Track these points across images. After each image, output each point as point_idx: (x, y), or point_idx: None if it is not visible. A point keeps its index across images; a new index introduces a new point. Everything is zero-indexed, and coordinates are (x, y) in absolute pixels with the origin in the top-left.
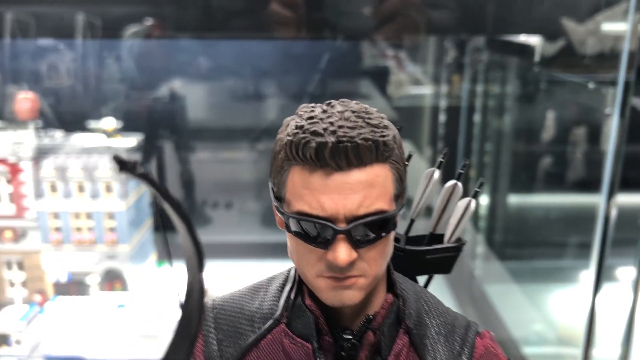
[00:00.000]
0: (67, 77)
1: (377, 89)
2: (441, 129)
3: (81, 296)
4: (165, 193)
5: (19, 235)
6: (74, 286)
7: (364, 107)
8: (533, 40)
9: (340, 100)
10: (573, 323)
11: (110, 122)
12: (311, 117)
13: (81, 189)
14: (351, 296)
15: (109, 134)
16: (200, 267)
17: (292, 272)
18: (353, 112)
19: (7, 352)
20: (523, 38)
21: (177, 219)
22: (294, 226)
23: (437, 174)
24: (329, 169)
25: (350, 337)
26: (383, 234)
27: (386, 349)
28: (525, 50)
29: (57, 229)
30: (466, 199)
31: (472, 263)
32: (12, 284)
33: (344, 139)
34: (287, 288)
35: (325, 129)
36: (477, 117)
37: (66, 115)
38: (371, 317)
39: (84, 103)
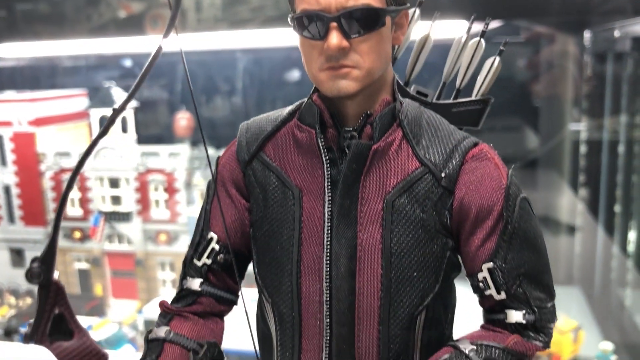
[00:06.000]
0: (221, 103)
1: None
2: (583, 162)
3: None
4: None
5: (172, 238)
6: None
7: None
8: None
9: None
10: None
11: None
12: None
13: None
14: (346, 85)
15: None
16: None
17: None
18: None
19: None
20: None
21: None
22: (298, 26)
23: (464, 37)
24: None
25: (350, 129)
26: (373, 28)
27: (377, 134)
28: None
29: None
30: (492, 57)
31: (622, 292)
32: (164, 283)
33: None
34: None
35: None
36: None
37: (218, 132)
38: (369, 113)
39: (235, 122)
